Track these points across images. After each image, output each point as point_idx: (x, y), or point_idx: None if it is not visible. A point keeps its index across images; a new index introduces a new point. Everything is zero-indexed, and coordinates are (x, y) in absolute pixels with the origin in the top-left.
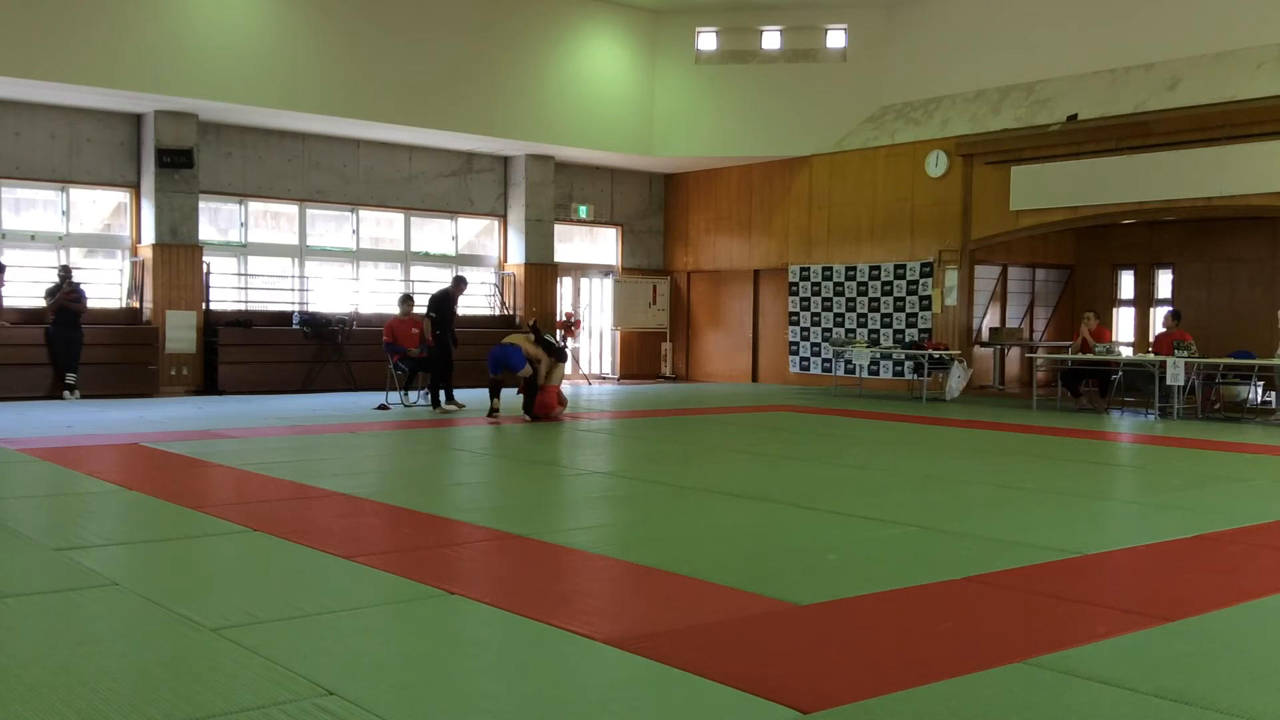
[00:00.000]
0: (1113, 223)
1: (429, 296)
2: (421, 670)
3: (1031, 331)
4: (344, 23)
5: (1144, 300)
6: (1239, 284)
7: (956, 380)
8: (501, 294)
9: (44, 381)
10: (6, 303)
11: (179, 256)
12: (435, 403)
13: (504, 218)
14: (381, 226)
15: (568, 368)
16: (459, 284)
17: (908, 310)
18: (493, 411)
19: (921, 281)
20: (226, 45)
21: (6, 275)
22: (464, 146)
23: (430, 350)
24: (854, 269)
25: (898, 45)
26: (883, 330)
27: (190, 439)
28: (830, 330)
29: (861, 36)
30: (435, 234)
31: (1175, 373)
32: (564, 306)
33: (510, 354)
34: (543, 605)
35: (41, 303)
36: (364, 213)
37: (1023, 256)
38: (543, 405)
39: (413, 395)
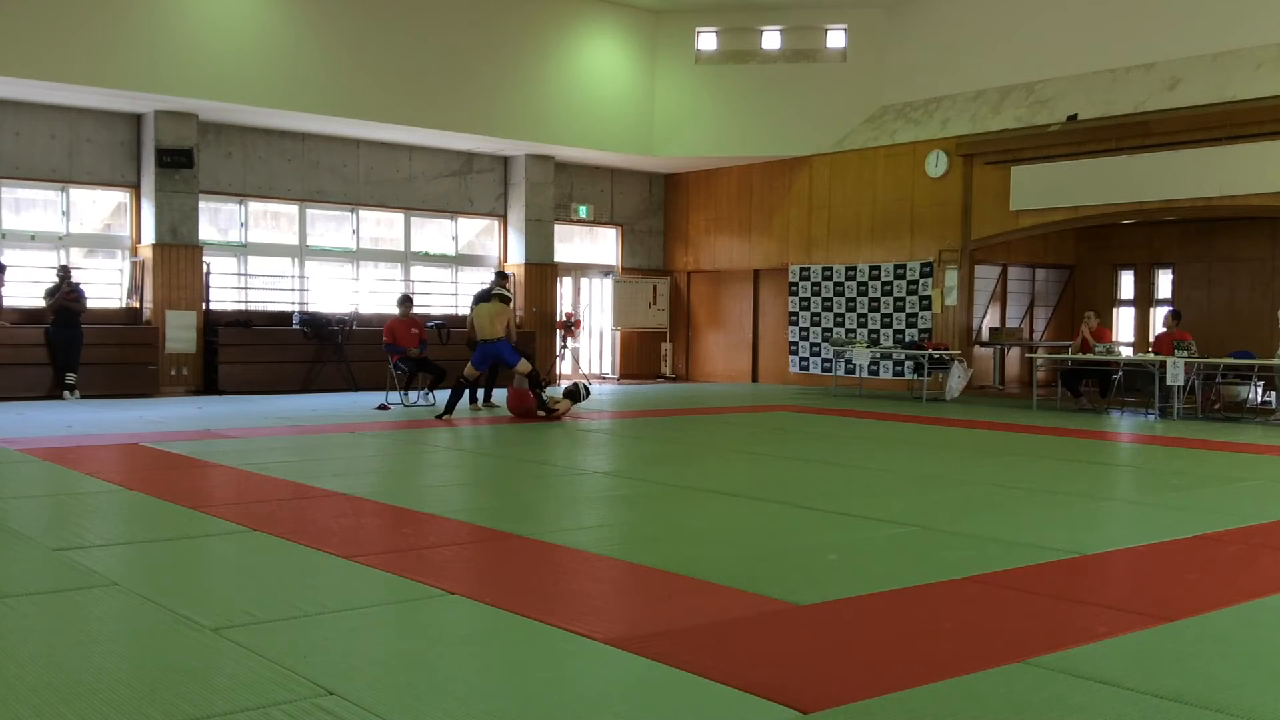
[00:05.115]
0: (1113, 223)
1: (473, 294)
2: (421, 670)
3: (1031, 331)
4: (344, 23)
5: (1144, 300)
6: (1239, 284)
7: (956, 380)
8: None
9: (44, 381)
10: (6, 303)
11: (179, 256)
12: (474, 400)
13: (504, 218)
14: (381, 226)
15: (566, 366)
16: (500, 280)
17: (908, 310)
18: (483, 403)
19: (921, 281)
20: (226, 45)
21: (6, 275)
22: (464, 146)
23: (471, 346)
24: (854, 269)
25: (898, 45)
26: (883, 330)
27: (190, 439)
28: (830, 330)
29: (861, 36)
30: (435, 234)
31: (1175, 373)
32: (564, 306)
33: (503, 351)
34: (543, 605)
35: (41, 303)
36: (364, 213)
37: (1023, 256)
38: (518, 399)
39: (413, 395)
